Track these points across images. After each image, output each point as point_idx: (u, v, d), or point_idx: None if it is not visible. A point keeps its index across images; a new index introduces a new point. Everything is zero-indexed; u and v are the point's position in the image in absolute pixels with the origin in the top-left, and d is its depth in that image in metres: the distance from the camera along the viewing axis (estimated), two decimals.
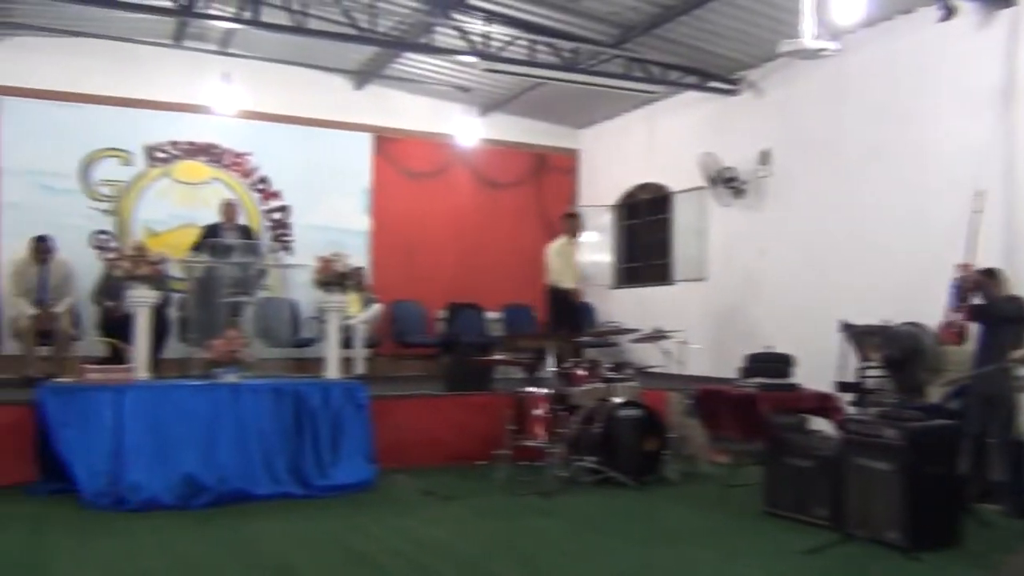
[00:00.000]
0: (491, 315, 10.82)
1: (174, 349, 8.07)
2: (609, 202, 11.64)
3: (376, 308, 9.33)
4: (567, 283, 8.72)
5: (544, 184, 12.01)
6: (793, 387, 7.63)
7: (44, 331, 7.84)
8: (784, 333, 8.23)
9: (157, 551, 4.53)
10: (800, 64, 7.87)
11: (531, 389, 6.45)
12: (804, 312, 8.21)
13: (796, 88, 8.78)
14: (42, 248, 8.09)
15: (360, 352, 8.71)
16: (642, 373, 6.94)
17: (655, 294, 10.67)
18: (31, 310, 7.86)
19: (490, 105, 11.34)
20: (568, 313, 8.67)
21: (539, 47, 8.89)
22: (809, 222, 8.59)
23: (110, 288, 7.84)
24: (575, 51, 8.97)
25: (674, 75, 9.44)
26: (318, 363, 7.36)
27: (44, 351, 7.86)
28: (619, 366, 6.82)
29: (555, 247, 8.89)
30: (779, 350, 7.87)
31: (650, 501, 5.81)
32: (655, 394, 7.16)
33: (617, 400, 6.39)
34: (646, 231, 11.31)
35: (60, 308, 7.96)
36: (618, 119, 11.52)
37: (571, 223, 9.02)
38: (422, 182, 11.20)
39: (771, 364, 7.75)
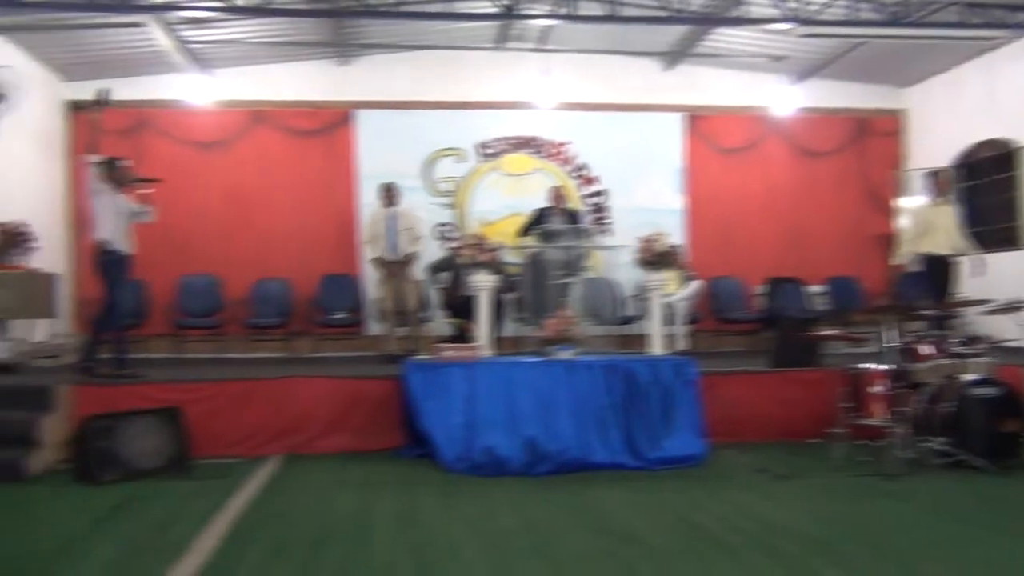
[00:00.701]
0: (813, 289, 10.42)
1: (510, 328, 8.64)
2: (943, 163, 10.67)
3: (695, 285, 9.35)
4: (932, 248, 7.77)
5: (866, 149, 11.33)
6: None
7: (401, 313, 8.77)
8: None
9: (511, 512, 4.84)
10: None
11: (868, 365, 6.14)
12: None
13: None
14: (389, 191, 8.94)
15: (681, 328, 8.81)
16: (997, 348, 6.31)
17: (1003, 260, 9.62)
18: (382, 255, 8.76)
19: (804, 72, 10.87)
20: (938, 283, 7.72)
21: (861, 4, 8.39)
22: None
23: (444, 266, 8.74)
24: (903, 3, 8.34)
25: (1022, 16, 8.47)
26: (640, 340, 7.57)
27: (401, 331, 8.83)
28: (969, 340, 6.25)
29: (916, 209, 8.10)
30: None
31: (1013, 487, 5.27)
32: (1013, 371, 6.49)
33: (969, 377, 5.89)
34: (990, 192, 10.23)
35: (410, 249, 8.79)
36: (950, 72, 10.54)
37: (938, 181, 7.94)
38: (736, 157, 11.03)
39: None
